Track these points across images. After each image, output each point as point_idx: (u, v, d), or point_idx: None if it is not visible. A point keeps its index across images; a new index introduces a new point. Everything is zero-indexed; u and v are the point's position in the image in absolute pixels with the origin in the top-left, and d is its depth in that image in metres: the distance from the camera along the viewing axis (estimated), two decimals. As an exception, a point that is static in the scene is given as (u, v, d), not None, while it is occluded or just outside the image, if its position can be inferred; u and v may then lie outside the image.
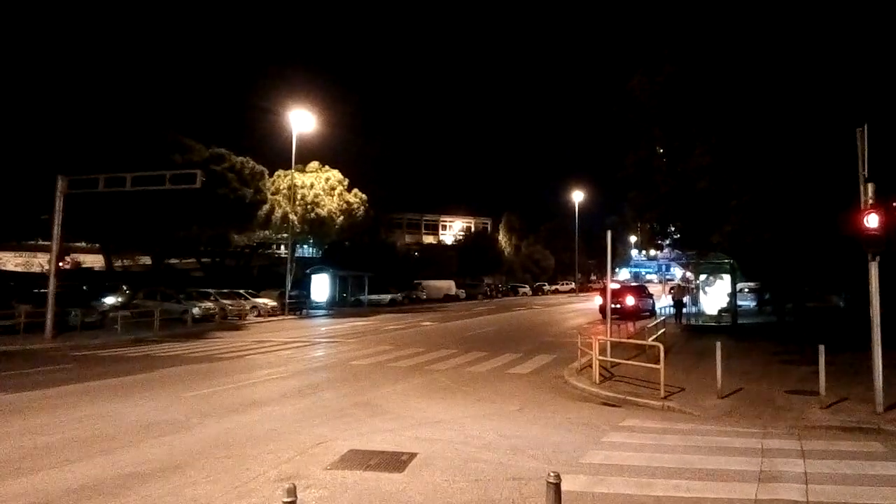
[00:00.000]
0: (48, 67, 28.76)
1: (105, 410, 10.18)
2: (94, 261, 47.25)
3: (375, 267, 48.75)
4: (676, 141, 19.19)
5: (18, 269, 45.51)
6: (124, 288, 32.43)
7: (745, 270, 27.82)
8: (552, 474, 3.85)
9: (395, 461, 7.30)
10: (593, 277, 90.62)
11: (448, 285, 57.86)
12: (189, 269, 47.42)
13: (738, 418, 9.86)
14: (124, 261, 47.98)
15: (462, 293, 58.35)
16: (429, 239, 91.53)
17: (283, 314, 34.68)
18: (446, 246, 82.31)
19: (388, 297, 48.15)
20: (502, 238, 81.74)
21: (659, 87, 18.83)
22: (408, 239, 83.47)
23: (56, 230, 22.49)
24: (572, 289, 77.05)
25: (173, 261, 46.34)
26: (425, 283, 56.12)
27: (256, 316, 32.98)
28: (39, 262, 44.94)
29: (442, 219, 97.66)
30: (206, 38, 79.65)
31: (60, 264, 23.76)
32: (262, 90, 73.03)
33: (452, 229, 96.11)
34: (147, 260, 46.15)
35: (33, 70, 27.93)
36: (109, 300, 29.31)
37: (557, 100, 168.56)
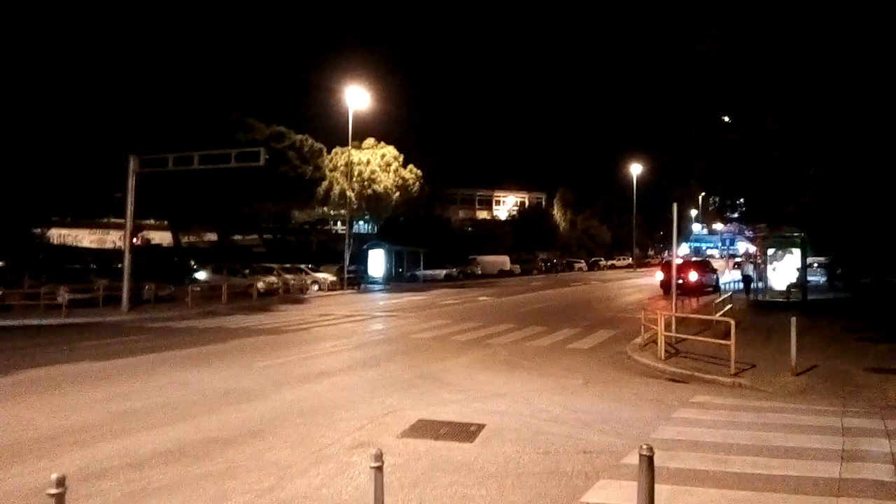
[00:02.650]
0: (120, 52, 29.88)
1: (184, 378, 10.69)
2: (161, 237, 49.33)
3: (430, 242, 49.08)
4: (748, 109, 18.29)
5: (93, 245, 48.01)
6: (192, 263, 33.86)
7: (815, 244, 26.59)
8: (644, 447, 3.80)
9: (465, 431, 7.40)
10: (651, 252, 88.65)
11: (503, 260, 57.68)
12: (251, 245, 49.00)
13: (815, 396, 9.52)
14: (191, 237, 49.89)
15: (517, 268, 58.12)
16: (482, 214, 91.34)
17: (341, 288, 35.45)
18: (500, 221, 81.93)
19: (443, 272, 48.42)
20: (557, 213, 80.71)
21: (731, 52, 17.90)
22: (461, 214, 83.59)
23: (129, 208, 23.46)
24: (629, 264, 75.49)
25: (237, 237, 48.03)
26: (480, 258, 56.11)
27: (317, 290, 33.83)
28: (112, 238, 47.25)
29: (495, 194, 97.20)
30: (266, 19, 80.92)
31: (134, 240, 24.91)
32: (318, 69, 73.99)
33: (506, 204, 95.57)
34: (212, 236, 47.93)
35: (106, 55, 29.05)
36: (201, 275, 30.98)
37: (614, 70, 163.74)
